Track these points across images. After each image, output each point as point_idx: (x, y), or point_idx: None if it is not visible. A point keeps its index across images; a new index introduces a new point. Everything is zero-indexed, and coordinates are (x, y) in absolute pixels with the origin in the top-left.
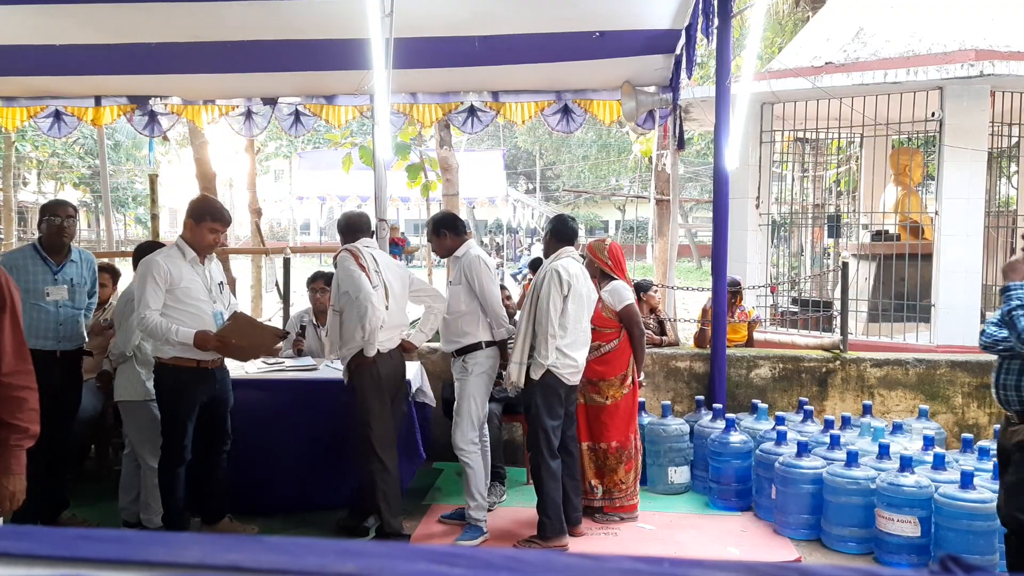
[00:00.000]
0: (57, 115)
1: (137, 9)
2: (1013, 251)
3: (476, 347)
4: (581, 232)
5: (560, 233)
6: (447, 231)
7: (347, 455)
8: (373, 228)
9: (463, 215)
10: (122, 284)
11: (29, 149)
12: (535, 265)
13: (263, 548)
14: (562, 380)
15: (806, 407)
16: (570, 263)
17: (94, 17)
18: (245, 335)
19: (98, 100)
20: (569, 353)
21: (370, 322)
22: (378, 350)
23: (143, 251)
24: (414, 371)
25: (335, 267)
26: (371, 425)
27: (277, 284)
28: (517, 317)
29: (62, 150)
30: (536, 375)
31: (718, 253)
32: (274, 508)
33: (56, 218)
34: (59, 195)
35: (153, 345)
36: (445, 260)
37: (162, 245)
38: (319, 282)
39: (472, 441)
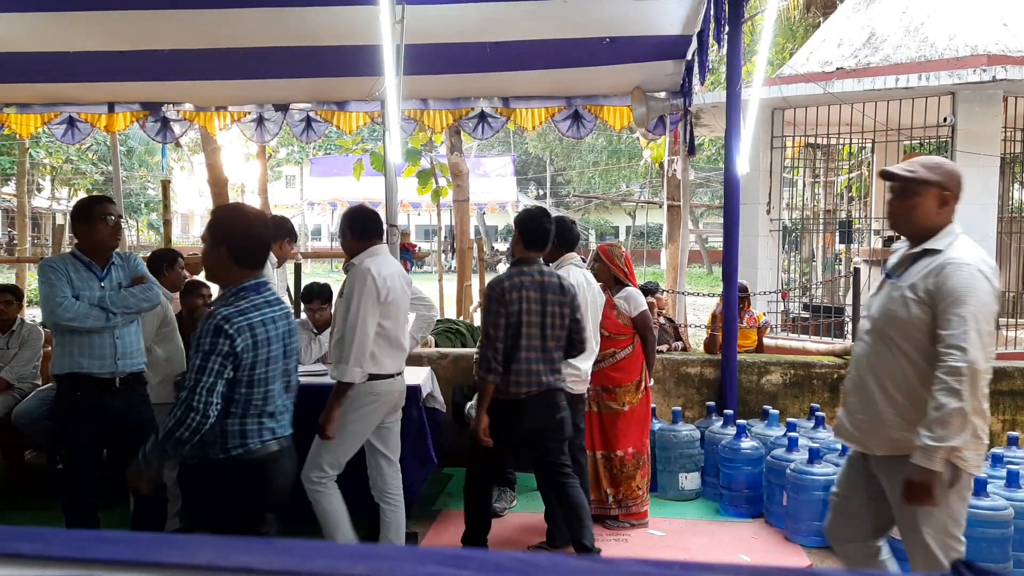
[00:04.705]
0: (71, 121)
1: (150, 16)
2: None
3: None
4: (591, 237)
5: (564, 239)
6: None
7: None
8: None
9: (473, 221)
10: None
11: (43, 155)
12: None
13: (273, 550)
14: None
15: (817, 413)
16: (572, 271)
17: (108, 24)
18: None
19: (111, 107)
20: (572, 362)
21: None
22: None
23: (158, 257)
24: (424, 376)
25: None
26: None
27: (288, 289)
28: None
29: (76, 156)
30: None
31: (729, 259)
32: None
33: (112, 217)
34: (73, 201)
35: None
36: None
37: (176, 251)
38: (315, 303)
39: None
